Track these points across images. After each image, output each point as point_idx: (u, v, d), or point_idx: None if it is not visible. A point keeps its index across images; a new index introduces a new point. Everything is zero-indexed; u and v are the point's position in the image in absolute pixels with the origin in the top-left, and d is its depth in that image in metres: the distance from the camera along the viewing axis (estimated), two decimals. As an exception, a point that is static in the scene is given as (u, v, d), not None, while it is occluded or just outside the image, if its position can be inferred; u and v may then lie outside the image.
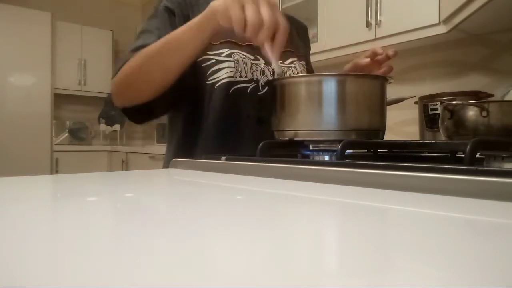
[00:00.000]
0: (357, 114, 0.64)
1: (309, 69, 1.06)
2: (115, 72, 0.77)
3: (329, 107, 0.63)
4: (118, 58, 0.78)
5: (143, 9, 4.56)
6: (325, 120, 0.63)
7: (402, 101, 0.92)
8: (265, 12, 0.58)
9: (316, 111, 0.64)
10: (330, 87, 0.64)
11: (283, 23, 0.60)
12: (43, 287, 0.14)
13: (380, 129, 0.68)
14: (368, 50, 0.88)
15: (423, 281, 0.15)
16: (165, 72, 0.72)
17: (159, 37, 0.76)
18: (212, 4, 0.64)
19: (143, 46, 0.75)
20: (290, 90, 0.67)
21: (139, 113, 0.81)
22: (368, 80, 0.68)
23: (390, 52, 0.84)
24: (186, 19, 0.80)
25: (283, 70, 0.89)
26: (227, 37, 0.81)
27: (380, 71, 0.86)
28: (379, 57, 0.85)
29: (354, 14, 1.88)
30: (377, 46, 0.86)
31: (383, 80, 0.68)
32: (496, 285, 0.15)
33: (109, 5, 4.34)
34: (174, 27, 0.79)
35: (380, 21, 1.78)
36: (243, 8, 0.59)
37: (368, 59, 0.86)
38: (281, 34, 0.60)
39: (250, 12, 0.58)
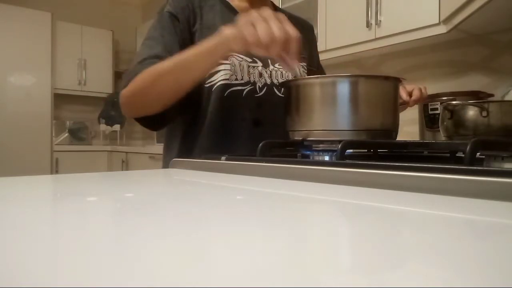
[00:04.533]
0: (369, 115, 0.65)
1: (319, 67, 1.07)
2: (124, 84, 0.79)
3: (342, 107, 0.64)
4: (127, 71, 0.80)
5: (143, 9, 4.55)
6: (338, 121, 0.64)
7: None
8: (274, 27, 0.61)
9: (329, 112, 0.65)
10: (343, 88, 0.65)
11: (293, 33, 0.62)
12: (43, 287, 0.14)
13: (393, 130, 0.69)
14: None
15: (423, 281, 0.15)
16: (176, 90, 0.75)
17: (165, 45, 0.78)
18: (223, 31, 0.66)
19: (150, 57, 0.77)
20: (303, 92, 0.68)
21: (152, 122, 0.82)
22: (381, 81, 0.69)
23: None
24: (190, 24, 0.82)
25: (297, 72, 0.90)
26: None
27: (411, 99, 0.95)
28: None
29: (354, 14, 1.88)
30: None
31: (395, 81, 0.69)
32: (496, 285, 0.15)
33: (109, 5, 4.34)
34: (178, 33, 0.80)
35: (380, 21, 1.78)
36: (255, 27, 0.61)
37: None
38: (293, 43, 0.63)
39: (261, 31, 0.60)
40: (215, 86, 0.81)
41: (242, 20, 0.63)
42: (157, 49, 0.78)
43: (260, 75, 0.85)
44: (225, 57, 0.71)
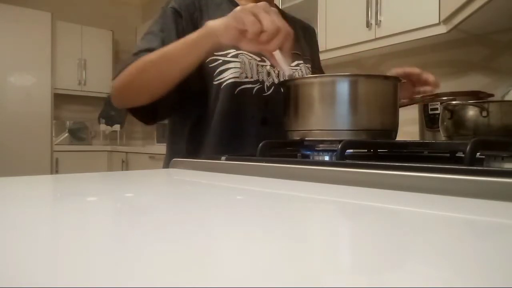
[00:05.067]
0: (369, 115, 0.65)
1: (319, 70, 1.07)
2: (116, 74, 0.79)
3: (341, 107, 0.64)
4: (121, 61, 0.82)
5: (143, 9, 4.55)
6: (336, 121, 0.64)
7: (415, 103, 0.92)
8: (277, 20, 0.61)
9: (328, 111, 0.65)
10: (342, 87, 0.65)
11: (290, 30, 0.63)
12: (43, 287, 0.14)
13: (393, 130, 0.69)
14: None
15: (423, 281, 0.15)
16: (161, 82, 0.75)
17: (163, 40, 0.77)
18: (208, 23, 0.67)
19: (145, 50, 0.76)
20: (302, 91, 0.68)
21: (145, 114, 0.82)
22: (380, 80, 0.69)
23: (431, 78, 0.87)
24: (194, 22, 0.82)
25: (293, 72, 0.90)
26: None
27: (422, 88, 0.89)
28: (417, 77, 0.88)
29: (354, 14, 1.88)
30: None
31: (395, 80, 0.69)
32: (496, 285, 0.15)
33: (109, 5, 4.34)
34: (180, 29, 0.80)
35: (380, 21, 1.78)
36: (257, 17, 0.61)
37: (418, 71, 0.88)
38: (290, 40, 0.63)
39: (266, 21, 0.60)
40: (225, 84, 0.81)
41: (240, 10, 0.62)
42: (154, 43, 0.78)
43: (268, 74, 0.86)
44: (212, 51, 0.71)
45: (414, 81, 0.89)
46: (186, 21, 0.81)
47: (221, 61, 0.81)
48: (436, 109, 1.48)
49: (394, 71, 0.91)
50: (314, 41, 1.10)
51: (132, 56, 0.78)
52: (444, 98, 1.45)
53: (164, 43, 0.77)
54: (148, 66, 0.73)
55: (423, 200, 0.33)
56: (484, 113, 0.78)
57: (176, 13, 0.81)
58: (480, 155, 0.56)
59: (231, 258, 0.18)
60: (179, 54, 0.71)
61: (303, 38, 1.02)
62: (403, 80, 0.71)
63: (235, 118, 0.82)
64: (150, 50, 0.76)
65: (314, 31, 1.11)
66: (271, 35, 0.60)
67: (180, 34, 0.79)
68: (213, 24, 0.66)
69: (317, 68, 1.06)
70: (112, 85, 0.80)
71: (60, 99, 3.79)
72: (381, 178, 0.39)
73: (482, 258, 0.18)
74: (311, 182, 0.45)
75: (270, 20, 0.60)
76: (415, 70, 0.88)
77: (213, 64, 0.81)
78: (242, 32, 0.62)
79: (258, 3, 0.62)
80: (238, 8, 0.63)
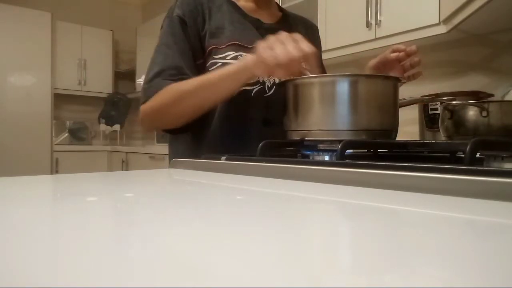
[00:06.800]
0: (369, 115, 0.65)
1: (321, 68, 1.07)
2: (145, 99, 0.81)
3: (341, 107, 0.64)
4: (147, 84, 0.83)
5: (143, 9, 4.55)
6: (336, 121, 0.64)
7: (415, 103, 0.92)
8: (291, 47, 0.65)
9: (328, 111, 0.65)
10: (343, 87, 0.65)
11: (309, 49, 0.66)
12: (43, 287, 0.14)
13: (393, 130, 0.69)
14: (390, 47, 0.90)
15: (423, 281, 0.15)
16: (197, 110, 0.79)
17: (180, 54, 0.81)
18: (245, 57, 0.73)
19: (168, 68, 0.79)
20: (302, 91, 0.68)
21: (175, 129, 0.85)
22: (380, 80, 0.69)
23: (412, 48, 0.88)
24: (198, 26, 0.84)
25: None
26: (232, 40, 0.82)
27: (406, 73, 0.90)
28: (400, 54, 0.88)
29: (354, 14, 1.88)
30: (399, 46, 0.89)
31: (395, 80, 0.69)
32: (496, 285, 0.15)
33: (109, 5, 4.34)
34: (188, 38, 0.83)
35: (380, 21, 1.78)
36: (273, 50, 0.66)
37: (396, 53, 0.88)
38: (311, 58, 0.67)
39: (279, 52, 0.65)
40: None
41: (260, 46, 0.68)
42: (173, 59, 0.80)
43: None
44: (247, 81, 0.77)
45: (394, 61, 0.89)
46: (190, 27, 0.83)
47: (220, 64, 0.81)
48: (436, 109, 1.48)
49: (369, 65, 0.91)
50: (317, 39, 1.10)
51: (157, 76, 0.79)
52: (444, 98, 1.45)
53: (182, 56, 0.80)
54: (186, 95, 0.77)
55: (423, 200, 0.33)
56: (484, 113, 0.78)
57: (182, 21, 0.83)
58: (480, 155, 0.56)
59: (231, 258, 0.18)
60: (218, 85, 0.75)
61: (305, 36, 1.01)
62: (403, 80, 0.71)
63: (236, 120, 0.83)
64: (172, 67, 0.79)
65: (317, 28, 1.11)
66: (287, 63, 0.64)
67: (190, 42, 0.82)
68: (248, 59, 0.71)
69: (319, 66, 1.06)
70: (142, 109, 0.82)
71: (60, 99, 3.79)
72: (381, 178, 0.39)
73: (482, 258, 0.18)
74: (311, 182, 0.45)
75: (283, 51, 0.65)
76: (387, 55, 0.89)
77: (212, 68, 0.82)
78: (268, 63, 0.66)
79: (277, 35, 0.67)
80: (260, 44, 0.68)
